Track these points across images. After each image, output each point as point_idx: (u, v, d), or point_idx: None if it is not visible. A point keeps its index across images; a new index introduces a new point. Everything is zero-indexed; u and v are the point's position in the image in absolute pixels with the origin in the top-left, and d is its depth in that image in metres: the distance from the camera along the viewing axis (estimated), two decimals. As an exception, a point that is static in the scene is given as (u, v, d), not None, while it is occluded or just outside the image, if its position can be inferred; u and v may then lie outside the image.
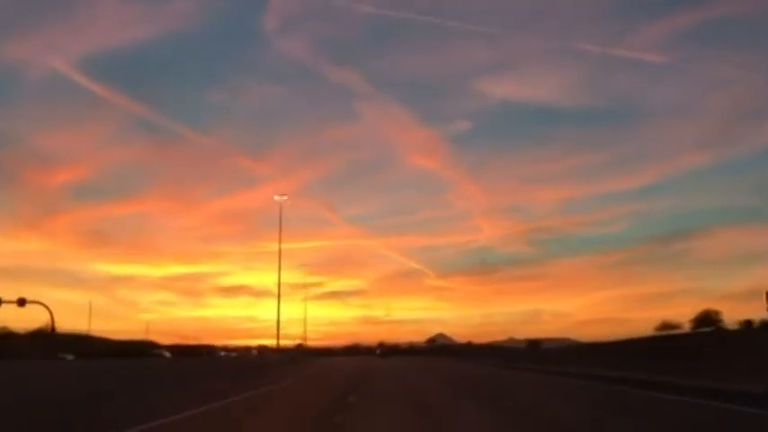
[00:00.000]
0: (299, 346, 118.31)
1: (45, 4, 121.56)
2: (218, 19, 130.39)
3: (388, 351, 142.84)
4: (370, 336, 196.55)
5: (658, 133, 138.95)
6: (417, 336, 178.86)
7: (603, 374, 27.10)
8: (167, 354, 53.50)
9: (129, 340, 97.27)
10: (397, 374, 34.12)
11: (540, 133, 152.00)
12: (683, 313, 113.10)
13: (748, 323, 45.53)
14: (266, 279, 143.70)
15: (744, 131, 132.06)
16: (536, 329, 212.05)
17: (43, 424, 12.59)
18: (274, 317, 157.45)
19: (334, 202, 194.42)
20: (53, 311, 39.76)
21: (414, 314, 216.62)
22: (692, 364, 26.91)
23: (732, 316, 50.34)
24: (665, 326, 53.61)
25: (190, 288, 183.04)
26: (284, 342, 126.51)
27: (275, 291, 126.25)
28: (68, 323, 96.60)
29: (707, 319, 47.94)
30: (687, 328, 50.26)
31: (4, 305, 40.51)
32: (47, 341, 45.55)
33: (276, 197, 57.39)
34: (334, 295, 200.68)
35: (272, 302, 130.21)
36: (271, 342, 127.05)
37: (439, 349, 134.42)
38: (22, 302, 41.00)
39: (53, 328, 44.36)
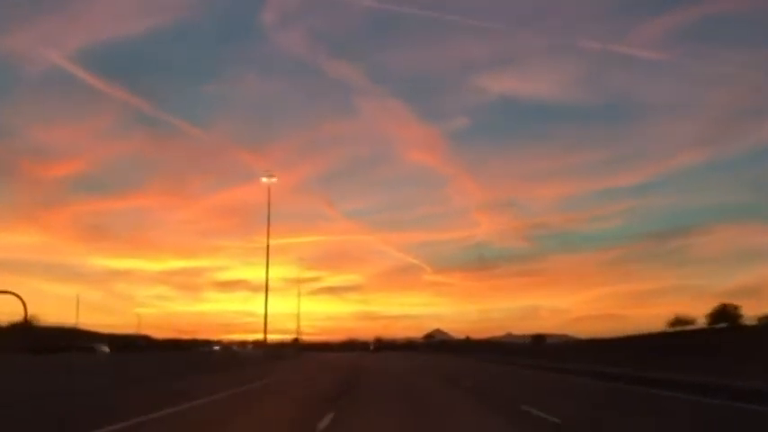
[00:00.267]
0: (296, 340, 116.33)
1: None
2: (217, 12, 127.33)
3: (381, 346, 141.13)
4: (366, 331, 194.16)
5: (657, 130, 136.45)
6: (414, 331, 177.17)
7: (626, 373, 24.50)
8: (105, 348, 47.93)
9: (119, 334, 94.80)
10: (393, 381, 25.50)
11: (539, 130, 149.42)
12: (680, 310, 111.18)
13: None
14: (264, 273, 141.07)
15: (742, 129, 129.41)
16: (534, 325, 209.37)
17: None
18: (271, 311, 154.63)
19: (332, 196, 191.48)
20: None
21: (411, 310, 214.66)
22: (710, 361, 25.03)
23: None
24: (678, 321, 51.00)
25: (188, 282, 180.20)
26: (281, 337, 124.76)
27: (273, 285, 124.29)
28: (66, 317, 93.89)
29: (724, 314, 45.24)
30: (703, 323, 47.65)
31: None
32: (21, 334, 42.79)
33: (264, 179, 53.67)
34: (332, 290, 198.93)
35: (270, 297, 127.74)
36: (269, 337, 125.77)
37: (437, 345, 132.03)
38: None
39: (26, 320, 41.57)
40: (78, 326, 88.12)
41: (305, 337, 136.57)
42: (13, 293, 36.40)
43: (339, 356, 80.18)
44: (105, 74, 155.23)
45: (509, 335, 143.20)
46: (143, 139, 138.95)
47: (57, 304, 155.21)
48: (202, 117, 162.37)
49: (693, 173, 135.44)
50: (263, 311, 59.49)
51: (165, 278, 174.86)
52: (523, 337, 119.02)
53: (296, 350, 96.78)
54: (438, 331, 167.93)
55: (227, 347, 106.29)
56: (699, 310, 57.50)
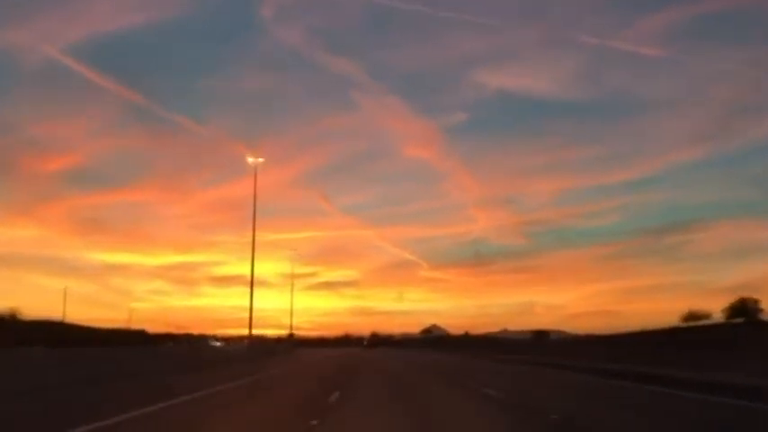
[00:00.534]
0: (290, 336, 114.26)
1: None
2: (215, 6, 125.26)
3: (375, 342, 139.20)
4: (362, 327, 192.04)
5: (655, 126, 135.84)
6: (411, 327, 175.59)
7: (651, 372, 21.96)
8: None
9: (109, 328, 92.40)
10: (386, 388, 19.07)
11: (536, 125, 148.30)
12: (677, 307, 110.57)
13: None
14: (260, 269, 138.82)
15: (740, 125, 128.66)
16: (530, 321, 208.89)
17: None
18: (268, 306, 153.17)
19: (329, 191, 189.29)
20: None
21: (407, 305, 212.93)
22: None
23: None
24: (692, 316, 49.05)
25: (184, 277, 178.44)
26: (276, 332, 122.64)
27: (269, 281, 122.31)
28: (62, 312, 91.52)
29: (743, 309, 43.26)
30: (720, 317, 45.65)
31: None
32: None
33: (250, 159, 50.60)
34: (328, 286, 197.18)
35: (266, 292, 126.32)
36: (267, 332, 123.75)
37: (435, 341, 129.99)
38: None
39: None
40: (65, 320, 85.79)
41: (301, 333, 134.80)
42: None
43: (330, 353, 77.02)
44: (102, 68, 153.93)
45: (505, 331, 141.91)
46: (140, 134, 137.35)
47: (52, 298, 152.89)
48: (199, 111, 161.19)
49: (691, 169, 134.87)
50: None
51: (161, 273, 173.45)
52: (520, 333, 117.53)
53: (290, 346, 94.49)
54: (435, 327, 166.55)
55: (192, 343, 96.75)
56: (696, 306, 55.46)
